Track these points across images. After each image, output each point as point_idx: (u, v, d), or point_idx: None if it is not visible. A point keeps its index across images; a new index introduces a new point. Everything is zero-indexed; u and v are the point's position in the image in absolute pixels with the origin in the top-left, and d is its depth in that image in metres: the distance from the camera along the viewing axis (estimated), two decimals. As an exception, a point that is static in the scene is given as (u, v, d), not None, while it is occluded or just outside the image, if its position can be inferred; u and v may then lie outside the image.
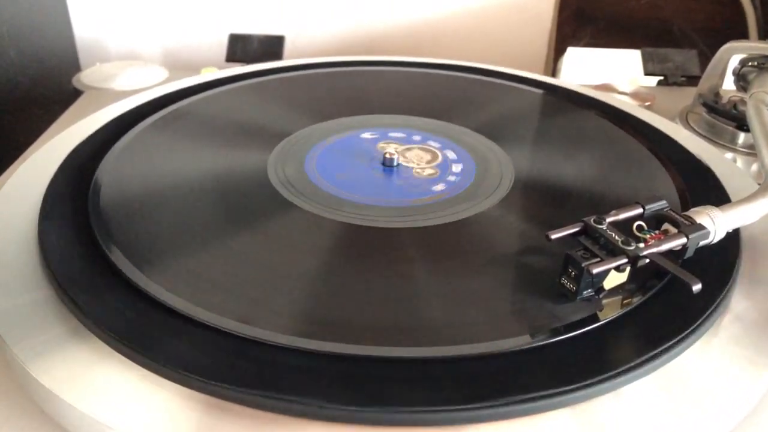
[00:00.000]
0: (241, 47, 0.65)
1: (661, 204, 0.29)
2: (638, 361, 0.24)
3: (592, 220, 0.28)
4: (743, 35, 0.74)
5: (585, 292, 0.27)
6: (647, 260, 0.26)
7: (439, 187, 0.37)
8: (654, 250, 0.26)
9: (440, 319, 0.27)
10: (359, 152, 0.41)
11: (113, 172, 0.36)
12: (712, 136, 0.50)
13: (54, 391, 0.23)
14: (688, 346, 0.26)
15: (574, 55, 0.72)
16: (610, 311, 0.26)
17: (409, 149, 0.41)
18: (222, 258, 0.30)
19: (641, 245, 0.27)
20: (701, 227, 0.28)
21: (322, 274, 0.30)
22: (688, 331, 0.26)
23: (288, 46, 0.67)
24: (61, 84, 0.64)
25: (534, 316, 0.27)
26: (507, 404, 0.23)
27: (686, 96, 0.56)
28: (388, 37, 0.78)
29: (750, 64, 0.50)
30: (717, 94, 0.52)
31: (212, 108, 0.46)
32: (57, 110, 0.54)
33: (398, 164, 0.39)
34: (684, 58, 0.63)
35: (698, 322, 0.26)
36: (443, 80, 0.53)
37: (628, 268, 0.27)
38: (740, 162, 0.47)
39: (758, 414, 0.25)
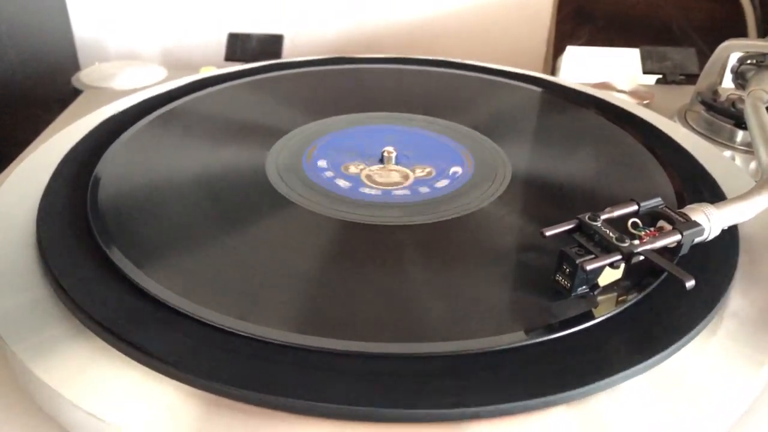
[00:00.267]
0: (240, 46, 0.65)
1: (656, 201, 0.29)
2: (634, 358, 0.24)
3: (586, 217, 0.28)
4: (742, 33, 0.74)
5: (579, 289, 0.27)
6: (642, 257, 0.26)
7: (437, 184, 0.37)
8: (648, 246, 0.27)
9: (436, 317, 0.27)
10: (357, 150, 0.41)
11: (111, 171, 0.37)
12: (711, 134, 0.50)
13: (54, 389, 0.24)
14: (685, 344, 0.26)
15: (573, 53, 0.72)
16: (605, 308, 0.27)
17: (412, 153, 0.41)
18: (220, 255, 0.30)
19: (636, 242, 0.27)
20: (696, 224, 0.28)
21: (320, 272, 0.30)
22: (685, 328, 0.26)
23: (287, 45, 0.68)
24: (60, 83, 0.64)
25: (529, 313, 0.27)
26: (503, 402, 0.23)
27: (685, 94, 0.56)
28: (387, 35, 0.78)
29: (748, 62, 0.50)
30: (715, 92, 0.52)
31: (210, 106, 0.46)
32: (56, 109, 0.54)
33: (395, 162, 0.39)
34: (683, 56, 0.63)
35: (695, 320, 0.26)
36: (442, 78, 0.53)
37: (623, 265, 0.27)
38: (738, 160, 0.47)
39: (755, 412, 0.25)
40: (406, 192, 0.36)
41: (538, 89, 0.51)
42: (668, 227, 0.28)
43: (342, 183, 0.37)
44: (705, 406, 0.24)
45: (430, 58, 0.57)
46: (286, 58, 0.58)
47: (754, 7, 0.73)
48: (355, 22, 0.77)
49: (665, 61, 0.63)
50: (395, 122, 0.45)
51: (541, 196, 0.37)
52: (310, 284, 0.29)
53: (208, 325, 0.25)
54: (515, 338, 0.25)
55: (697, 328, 0.26)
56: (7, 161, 0.43)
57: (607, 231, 0.27)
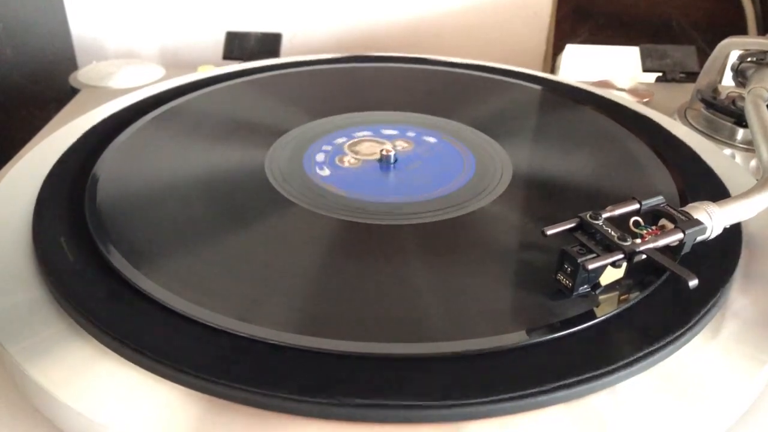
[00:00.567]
0: (238, 45, 0.65)
1: (657, 200, 0.29)
2: (635, 357, 0.24)
3: (588, 216, 0.28)
4: (742, 31, 0.74)
5: (581, 288, 0.27)
6: (644, 256, 0.26)
7: (436, 184, 0.37)
8: (650, 245, 0.26)
9: (436, 316, 0.27)
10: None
11: (109, 171, 0.36)
12: (711, 132, 0.50)
13: (50, 391, 0.23)
14: (685, 343, 0.26)
15: (572, 51, 0.72)
16: (606, 307, 0.26)
17: (411, 152, 0.41)
18: (219, 256, 0.30)
19: (637, 241, 0.26)
20: (698, 223, 0.28)
21: (320, 272, 0.30)
22: (686, 327, 0.26)
23: (285, 44, 0.67)
24: (57, 82, 0.64)
25: (530, 312, 0.27)
26: (503, 401, 0.22)
27: (685, 92, 0.55)
28: (386, 34, 0.78)
29: (749, 59, 0.49)
30: (715, 90, 0.52)
31: (209, 105, 0.46)
32: (53, 108, 0.54)
33: (395, 161, 0.39)
34: (683, 54, 0.63)
35: (696, 319, 0.26)
36: (441, 77, 0.53)
37: (624, 264, 0.27)
38: (739, 158, 0.47)
39: (756, 411, 0.25)
40: (407, 191, 0.36)
41: (538, 88, 0.51)
42: (670, 226, 0.28)
43: (341, 181, 0.37)
44: (705, 405, 0.24)
45: (429, 56, 0.57)
46: (284, 57, 0.58)
47: (754, 5, 0.73)
48: (354, 21, 0.77)
49: (665, 59, 0.63)
50: (394, 121, 0.45)
51: (542, 195, 0.37)
52: (309, 284, 0.29)
53: (206, 325, 0.25)
54: (516, 338, 0.25)
55: (698, 326, 0.26)
56: (3, 160, 0.42)
57: (609, 230, 0.27)
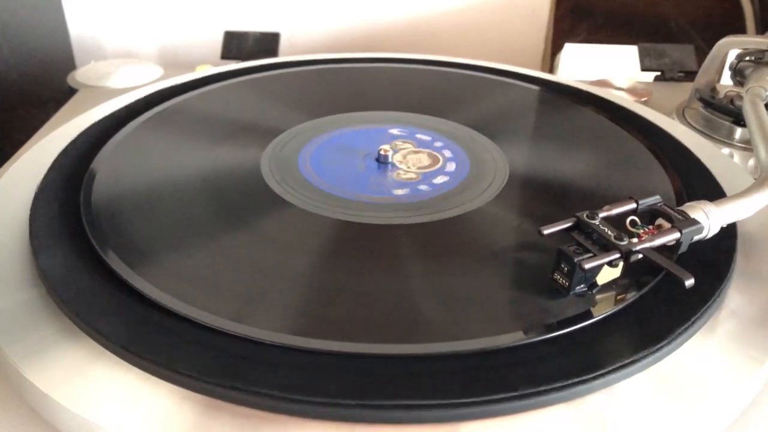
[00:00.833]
0: (236, 44, 0.65)
1: (654, 199, 0.29)
2: (633, 357, 0.24)
3: (584, 215, 0.28)
4: (741, 30, 0.74)
5: (578, 287, 0.27)
6: (640, 255, 0.26)
7: (434, 183, 0.37)
8: (647, 245, 0.26)
9: (433, 317, 0.27)
10: (353, 149, 0.41)
11: (106, 171, 0.36)
12: (709, 131, 0.50)
13: (46, 392, 0.23)
14: (683, 342, 0.26)
15: (571, 51, 0.71)
16: (603, 307, 0.26)
17: (408, 152, 0.41)
18: (216, 256, 0.30)
19: (634, 240, 0.26)
20: (695, 222, 0.28)
21: (316, 272, 0.29)
22: (684, 326, 0.26)
23: (283, 44, 0.67)
24: (55, 82, 0.64)
25: (527, 312, 0.27)
26: (500, 401, 0.22)
27: (683, 91, 0.55)
28: (384, 34, 0.78)
29: (747, 58, 0.49)
30: (714, 89, 0.52)
31: (206, 105, 0.46)
32: (51, 108, 0.54)
33: (392, 161, 0.39)
34: (681, 53, 0.63)
35: (694, 318, 0.26)
36: (439, 77, 0.53)
37: (621, 264, 0.27)
38: (737, 157, 0.47)
39: (754, 410, 0.25)
40: (406, 191, 0.36)
41: (537, 87, 0.51)
42: (667, 225, 0.28)
43: (337, 181, 0.37)
44: (703, 404, 0.24)
45: (427, 56, 0.57)
46: (282, 57, 0.58)
47: (753, 4, 0.73)
48: (352, 20, 0.77)
49: (663, 58, 0.63)
50: (392, 121, 0.45)
51: (539, 195, 0.37)
52: (306, 285, 0.29)
53: (203, 326, 0.25)
54: (513, 338, 0.25)
55: (696, 326, 0.26)
56: (1, 160, 0.42)
57: (606, 229, 0.27)
